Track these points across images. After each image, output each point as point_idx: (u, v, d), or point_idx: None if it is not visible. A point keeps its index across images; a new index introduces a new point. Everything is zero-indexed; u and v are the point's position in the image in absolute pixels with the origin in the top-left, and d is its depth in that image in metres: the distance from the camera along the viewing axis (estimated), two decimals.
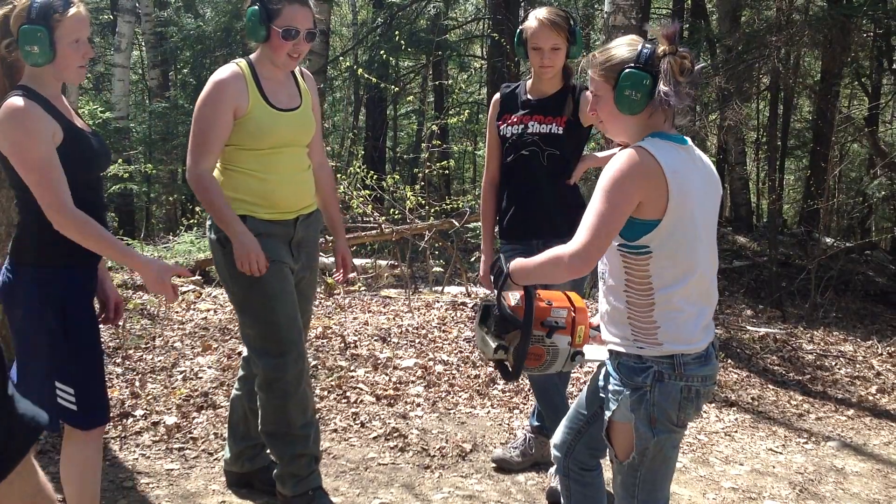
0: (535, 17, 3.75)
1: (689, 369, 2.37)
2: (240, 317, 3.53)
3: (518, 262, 2.51)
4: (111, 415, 4.40)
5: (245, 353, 3.66)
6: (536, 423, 4.18)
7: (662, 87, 2.29)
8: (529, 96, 3.91)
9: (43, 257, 2.75)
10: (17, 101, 2.67)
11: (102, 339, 5.38)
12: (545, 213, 3.87)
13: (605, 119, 2.47)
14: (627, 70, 2.32)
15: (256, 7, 3.24)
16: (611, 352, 2.50)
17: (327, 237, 8.72)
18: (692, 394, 2.39)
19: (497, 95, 4.04)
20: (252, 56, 3.43)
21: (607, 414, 2.47)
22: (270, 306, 3.37)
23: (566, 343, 2.53)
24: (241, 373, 3.74)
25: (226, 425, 4.05)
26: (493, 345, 2.52)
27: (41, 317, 2.76)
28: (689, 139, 2.49)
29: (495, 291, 2.58)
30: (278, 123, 3.36)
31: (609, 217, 2.29)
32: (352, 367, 5.42)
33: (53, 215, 2.67)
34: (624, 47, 2.38)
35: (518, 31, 3.84)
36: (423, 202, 8.96)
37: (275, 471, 3.57)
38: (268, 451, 3.84)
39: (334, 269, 3.85)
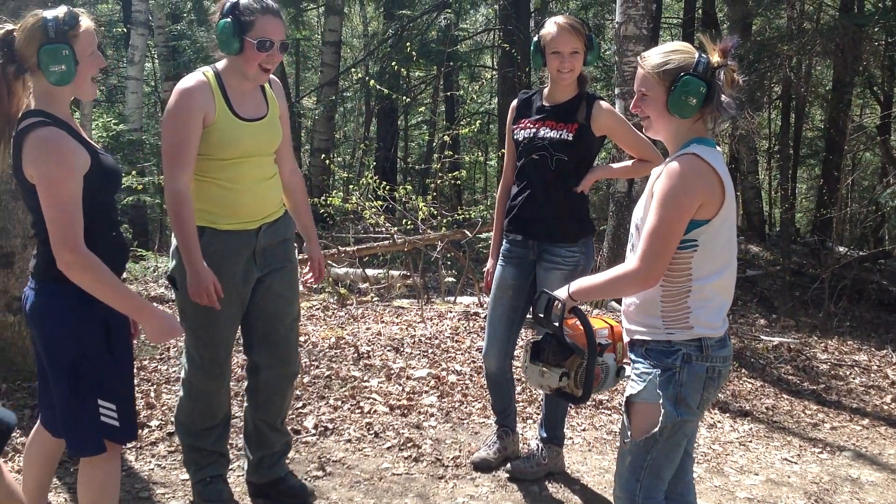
0: (555, 23, 3.80)
1: (713, 350, 2.56)
2: (179, 319, 3.58)
3: (579, 284, 2.66)
4: None
5: (249, 364, 3.71)
6: (545, 435, 4.19)
7: (724, 97, 2.49)
8: (545, 103, 3.95)
9: None
10: (50, 131, 2.65)
11: None
12: (547, 217, 3.93)
13: (652, 117, 2.60)
14: (686, 76, 2.48)
15: (229, 20, 3.22)
16: (636, 341, 2.63)
17: (339, 248, 8.77)
18: (715, 373, 2.57)
19: (514, 102, 4.10)
20: (218, 65, 3.40)
21: (629, 392, 2.61)
22: (208, 324, 3.45)
23: (612, 360, 2.71)
24: (247, 384, 3.77)
25: (240, 436, 4.07)
26: (557, 374, 2.65)
27: (86, 334, 2.76)
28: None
29: (541, 325, 2.73)
30: (243, 134, 3.35)
31: (670, 230, 2.45)
32: (365, 378, 5.43)
33: (66, 254, 2.63)
34: (680, 53, 2.54)
35: (535, 39, 3.88)
36: (435, 212, 8.98)
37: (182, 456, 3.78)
38: (286, 460, 3.87)
39: (307, 270, 3.87)
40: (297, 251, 3.84)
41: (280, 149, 3.59)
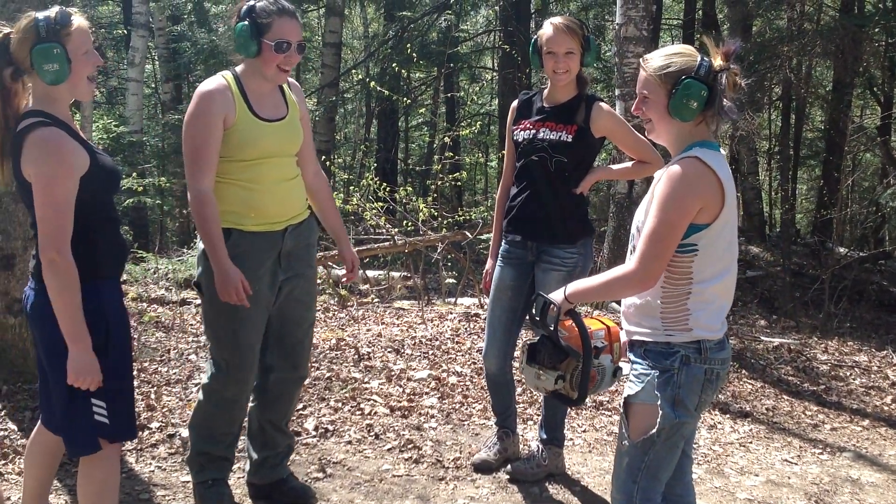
0: (550, 23, 3.83)
1: (711, 353, 2.56)
2: (204, 325, 3.62)
3: (576, 286, 2.64)
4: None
5: (260, 364, 3.70)
6: (545, 436, 4.20)
7: (725, 101, 2.48)
8: (545, 104, 3.95)
9: (79, 274, 2.74)
10: (49, 132, 2.68)
11: None
12: (544, 218, 3.94)
13: (653, 120, 2.60)
14: (687, 80, 2.47)
15: (246, 23, 3.25)
16: (635, 342, 2.64)
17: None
18: (713, 376, 2.57)
19: (514, 102, 4.11)
20: (238, 69, 3.43)
21: (627, 393, 2.61)
22: (233, 329, 3.44)
23: (609, 361, 2.70)
24: (257, 383, 3.77)
25: (242, 437, 4.07)
26: (553, 377, 2.65)
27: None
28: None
29: (538, 328, 2.72)
30: (263, 134, 3.37)
31: (669, 233, 2.45)
32: (366, 379, 5.43)
33: (52, 253, 2.65)
34: (682, 56, 2.53)
35: (533, 39, 3.90)
36: (436, 214, 8.98)
37: (186, 455, 3.76)
38: (287, 462, 3.87)
39: (343, 272, 3.89)
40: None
41: (302, 151, 3.60)
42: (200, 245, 3.43)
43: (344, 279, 3.91)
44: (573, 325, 2.64)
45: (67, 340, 2.72)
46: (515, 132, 4.00)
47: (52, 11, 2.73)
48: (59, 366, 2.80)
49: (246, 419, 3.84)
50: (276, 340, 3.63)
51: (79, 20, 2.77)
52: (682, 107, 2.48)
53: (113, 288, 2.91)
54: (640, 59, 2.65)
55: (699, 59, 2.50)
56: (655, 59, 2.56)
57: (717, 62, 2.50)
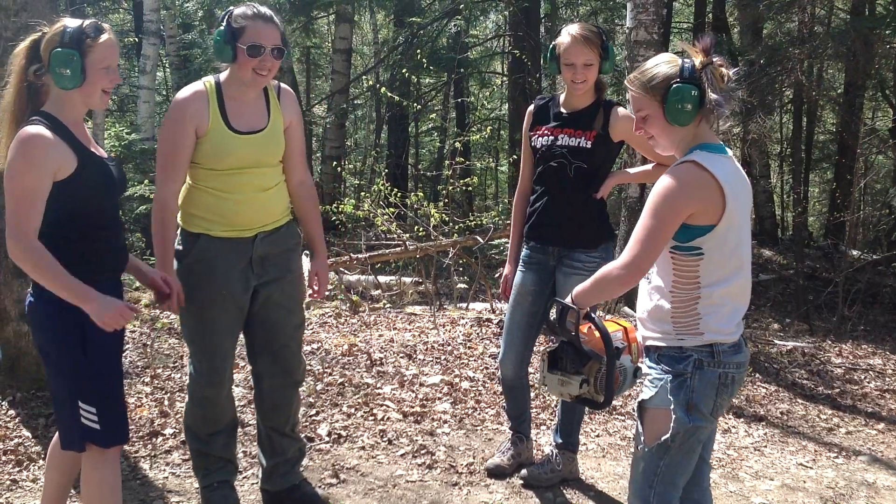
0: (568, 33, 3.78)
1: (725, 356, 2.55)
2: (180, 327, 3.65)
3: (576, 289, 2.68)
4: (141, 434, 4.45)
5: (253, 372, 3.73)
6: (560, 441, 4.19)
7: (712, 95, 2.47)
8: (562, 109, 3.94)
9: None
10: (30, 128, 2.72)
11: (131, 359, 5.45)
12: (566, 223, 3.93)
13: (656, 135, 2.61)
14: (676, 85, 2.48)
15: (222, 28, 3.27)
16: (650, 347, 2.64)
17: (351, 255, 8.77)
18: (728, 380, 2.56)
19: (530, 107, 4.09)
20: (221, 75, 3.42)
21: (641, 398, 2.62)
22: (202, 332, 3.47)
23: (629, 361, 2.72)
24: (254, 392, 3.77)
25: (254, 443, 4.07)
26: (577, 381, 2.66)
27: (62, 338, 2.81)
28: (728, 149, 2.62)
29: (555, 334, 2.74)
30: (236, 146, 3.34)
31: (657, 232, 2.46)
32: (378, 385, 5.43)
33: (12, 242, 2.70)
34: (665, 65, 2.53)
35: (551, 46, 3.88)
36: (447, 219, 8.98)
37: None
38: (300, 468, 3.87)
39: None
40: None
41: (288, 159, 3.57)
42: (177, 245, 3.44)
43: (310, 293, 3.73)
44: (592, 328, 2.65)
45: (79, 304, 2.75)
46: (533, 138, 3.99)
47: (86, 22, 2.80)
48: (46, 366, 2.92)
49: (251, 424, 3.86)
50: (260, 347, 3.62)
51: (107, 36, 2.83)
52: (679, 112, 2.49)
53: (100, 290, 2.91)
54: (626, 82, 2.66)
55: (681, 62, 2.51)
56: (639, 77, 2.57)
57: (699, 60, 2.50)
